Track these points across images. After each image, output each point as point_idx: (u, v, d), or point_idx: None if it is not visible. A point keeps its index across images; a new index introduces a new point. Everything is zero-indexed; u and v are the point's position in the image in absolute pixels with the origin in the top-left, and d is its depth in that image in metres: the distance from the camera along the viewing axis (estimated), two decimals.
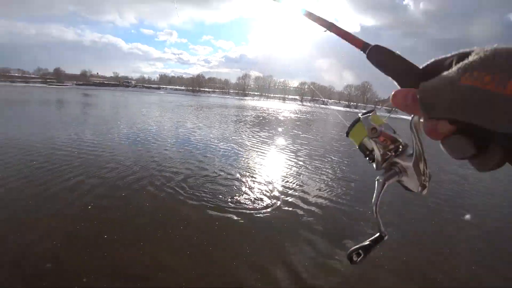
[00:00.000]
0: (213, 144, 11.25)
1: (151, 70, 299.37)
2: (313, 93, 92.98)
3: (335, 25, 0.49)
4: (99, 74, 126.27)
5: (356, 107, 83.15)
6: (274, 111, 40.58)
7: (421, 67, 0.37)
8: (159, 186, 6.05)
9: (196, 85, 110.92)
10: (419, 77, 0.35)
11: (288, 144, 12.72)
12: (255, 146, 11.44)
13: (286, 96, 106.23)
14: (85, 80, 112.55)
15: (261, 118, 27.03)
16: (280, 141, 13.50)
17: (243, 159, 9.19)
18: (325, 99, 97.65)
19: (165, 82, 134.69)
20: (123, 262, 3.64)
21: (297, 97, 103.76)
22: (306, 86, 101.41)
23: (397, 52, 0.41)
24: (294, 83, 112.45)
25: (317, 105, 77.89)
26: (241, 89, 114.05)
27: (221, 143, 11.52)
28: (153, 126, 15.36)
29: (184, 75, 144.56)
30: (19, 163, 6.87)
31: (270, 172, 7.79)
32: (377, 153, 0.47)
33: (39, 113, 19.39)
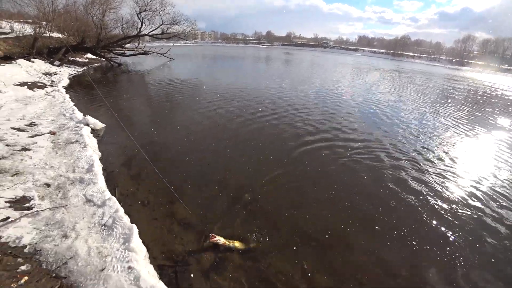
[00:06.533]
0: (403, 119, 9.76)
1: (349, 31, 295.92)
2: None
3: None
4: (300, 35, 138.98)
5: None
6: None
7: None
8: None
9: (399, 48, 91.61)
10: None
11: None
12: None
13: None
14: (289, 41, 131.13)
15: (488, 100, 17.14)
16: None
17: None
18: None
19: (364, 44, 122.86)
20: None
21: None
22: None
23: None
24: None
25: None
26: (458, 55, 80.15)
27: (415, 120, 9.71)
28: (342, 88, 15.30)
29: (385, 37, 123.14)
30: (231, 97, 11.23)
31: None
32: None
33: (252, 65, 29.65)
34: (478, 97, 18.17)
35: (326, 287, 2.94)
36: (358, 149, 6.53)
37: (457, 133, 8.57)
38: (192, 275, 2.93)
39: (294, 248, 3.40)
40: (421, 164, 5.94)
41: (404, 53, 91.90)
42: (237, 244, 3.29)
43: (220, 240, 3.21)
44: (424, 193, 4.80)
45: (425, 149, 6.82)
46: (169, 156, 5.61)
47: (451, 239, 3.73)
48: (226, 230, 3.56)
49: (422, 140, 7.48)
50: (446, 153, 6.71)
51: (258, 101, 10.73)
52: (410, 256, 3.42)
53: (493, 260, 3.46)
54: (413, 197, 4.64)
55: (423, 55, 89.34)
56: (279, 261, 3.19)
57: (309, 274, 3.05)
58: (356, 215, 4.09)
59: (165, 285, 2.70)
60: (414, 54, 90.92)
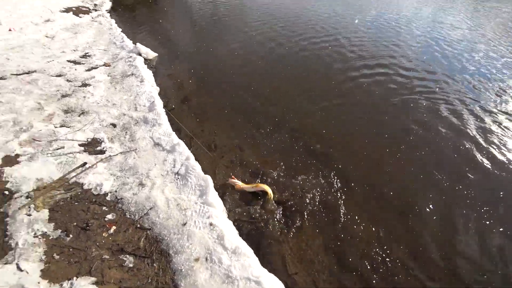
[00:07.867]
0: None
1: None
2: None
3: None
4: None
5: None
6: None
7: None
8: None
9: None
10: None
11: None
12: None
13: None
14: None
15: None
16: None
17: None
18: None
19: None
20: None
21: None
22: None
23: None
24: None
25: None
26: None
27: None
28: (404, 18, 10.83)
29: None
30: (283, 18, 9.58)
31: None
32: None
33: None
34: None
35: (401, 259, 2.58)
36: (427, 92, 5.15)
37: None
38: (268, 233, 2.71)
39: (370, 211, 2.97)
40: (503, 126, 4.32)
41: None
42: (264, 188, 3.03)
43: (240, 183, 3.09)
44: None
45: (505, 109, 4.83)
46: (229, 88, 5.07)
47: None
48: (306, 184, 3.17)
49: (501, 96, 5.26)
50: None
51: (310, 25, 8.78)
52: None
53: None
54: (495, 167, 3.57)
55: None
56: (356, 225, 2.83)
57: (385, 244, 2.68)
58: (431, 182, 3.34)
59: (246, 242, 2.52)
60: None
